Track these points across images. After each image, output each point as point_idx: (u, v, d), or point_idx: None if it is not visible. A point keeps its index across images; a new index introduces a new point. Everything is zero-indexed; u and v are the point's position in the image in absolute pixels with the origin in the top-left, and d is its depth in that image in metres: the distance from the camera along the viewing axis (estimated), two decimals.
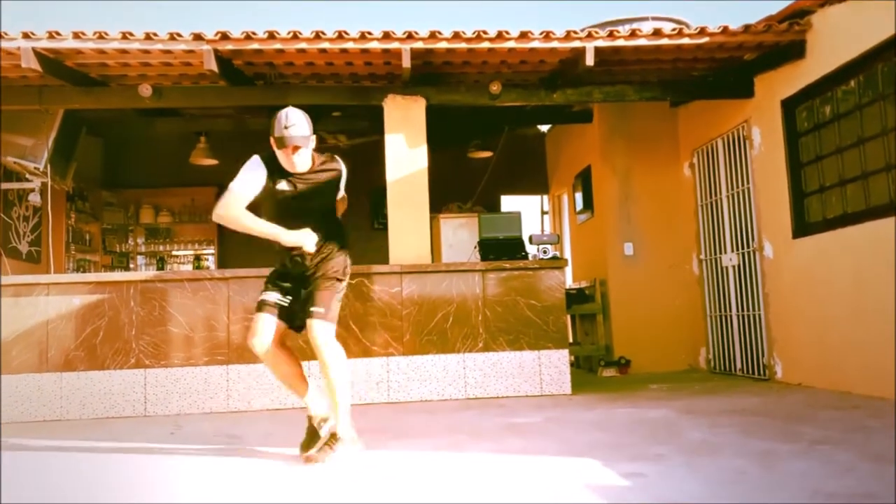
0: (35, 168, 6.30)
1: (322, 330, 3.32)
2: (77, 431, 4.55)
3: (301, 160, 3.31)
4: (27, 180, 6.59)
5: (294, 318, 3.45)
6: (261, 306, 3.41)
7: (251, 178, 3.32)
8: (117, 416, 5.18)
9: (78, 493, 2.93)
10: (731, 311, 6.57)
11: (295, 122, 3.23)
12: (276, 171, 3.33)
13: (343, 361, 3.39)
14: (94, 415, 5.16)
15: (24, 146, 6.23)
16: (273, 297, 3.42)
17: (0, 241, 6.64)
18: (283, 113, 3.27)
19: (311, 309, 3.34)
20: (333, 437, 3.35)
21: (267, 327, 3.36)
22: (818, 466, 2.83)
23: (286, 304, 3.43)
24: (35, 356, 5.17)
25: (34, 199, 6.71)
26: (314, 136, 3.35)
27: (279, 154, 3.30)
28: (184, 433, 4.35)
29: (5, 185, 6.65)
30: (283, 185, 3.34)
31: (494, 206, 9.52)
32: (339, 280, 3.47)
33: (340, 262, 3.50)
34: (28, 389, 5.14)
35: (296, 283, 3.46)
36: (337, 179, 3.50)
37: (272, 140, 3.28)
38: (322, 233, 3.42)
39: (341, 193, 3.60)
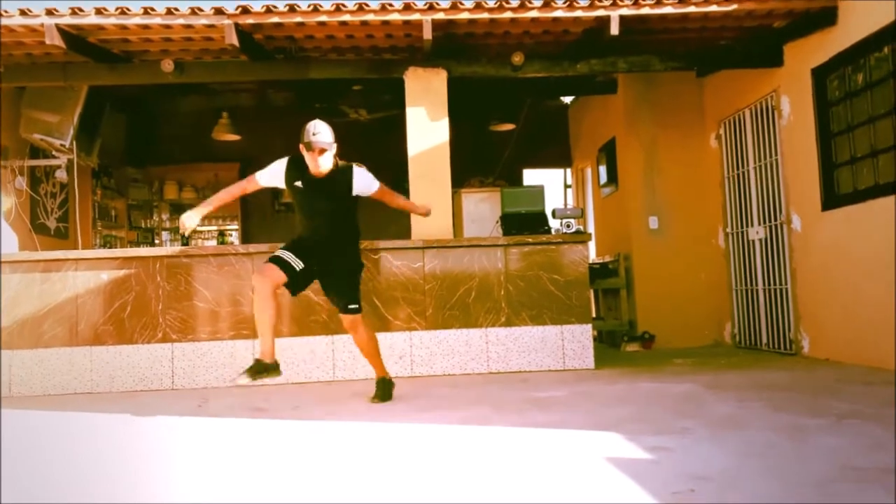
0: (61, 145, 6.36)
1: (359, 322, 4.22)
2: (108, 404, 4.63)
3: (324, 161, 3.94)
4: (54, 157, 6.67)
5: (296, 283, 4.07)
6: (275, 258, 4.01)
7: (270, 170, 4.15)
8: (146, 389, 5.27)
9: (109, 464, 2.99)
10: (757, 285, 6.49)
11: (320, 131, 3.90)
12: (297, 171, 4.04)
13: (374, 337, 4.43)
14: (123, 388, 5.25)
15: (51, 123, 6.28)
16: (288, 255, 4.02)
17: (29, 218, 6.73)
18: (310, 123, 3.93)
19: (349, 306, 4.16)
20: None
21: (274, 274, 3.93)
22: (847, 441, 2.80)
23: (296, 268, 4.01)
24: (66, 330, 5.27)
25: (61, 175, 6.79)
26: (335, 144, 3.96)
27: (307, 156, 3.95)
28: (211, 406, 4.42)
29: (32, 162, 6.73)
30: (298, 184, 4.04)
31: (517, 180, 9.47)
32: (357, 272, 4.29)
33: (354, 256, 4.29)
34: (59, 363, 5.24)
35: (312, 260, 4.09)
36: (347, 186, 4.07)
37: (301, 145, 3.93)
38: (332, 229, 4.13)
39: (373, 188, 4.18)
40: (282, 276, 3.95)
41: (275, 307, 3.92)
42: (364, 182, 4.14)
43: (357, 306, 4.17)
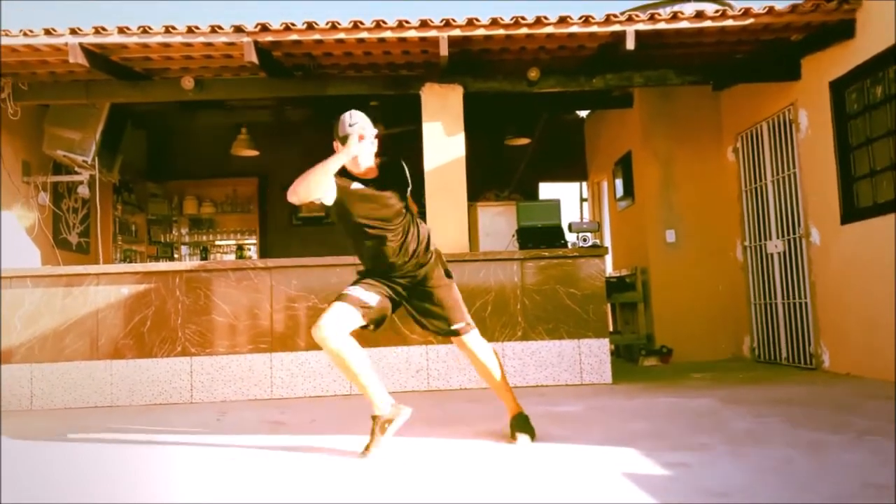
0: (83, 161, 6.46)
1: (476, 339, 3.47)
2: (127, 418, 4.68)
3: (367, 152, 3.25)
4: (76, 173, 6.78)
5: (378, 321, 3.36)
6: (342, 297, 3.27)
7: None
8: (164, 402, 5.31)
9: (128, 478, 3.02)
10: (776, 298, 6.43)
11: (358, 120, 3.24)
12: (339, 183, 3.26)
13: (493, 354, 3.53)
14: (142, 401, 5.30)
15: (73, 140, 6.39)
16: (358, 291, 3.29)
17: (51, 233, 6.84)
18: (344, 115, 3.27)
19: (454, 327, 3.40)
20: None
21: (343, 318, 3.20)
22: (868, 457, 2.77)
23: (371, 304, 3.29)
24: (86, 344, 5.33)
25: (83, 191, 6.90)
26: (377, 135, 3.31)
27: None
28: (229, 420, 4.45)
29: (55, 178, 6.84)
30: (342, 198, 3.25)
31: (532, 194, 9.47)
32: (450, 276, 3.52)
33: (435, 260, 3.48)
34: (80, 376, 5.30)
35: (390, 287, 3.38)
36: (403, 180, 3.37)
37: (336, 142, 3.26)
38: (403, 240, 3.34)
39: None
40: (355, 320, 3.23)
41: (359, 346, 3.25)
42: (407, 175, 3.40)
43: (464, 324, 3.43)
